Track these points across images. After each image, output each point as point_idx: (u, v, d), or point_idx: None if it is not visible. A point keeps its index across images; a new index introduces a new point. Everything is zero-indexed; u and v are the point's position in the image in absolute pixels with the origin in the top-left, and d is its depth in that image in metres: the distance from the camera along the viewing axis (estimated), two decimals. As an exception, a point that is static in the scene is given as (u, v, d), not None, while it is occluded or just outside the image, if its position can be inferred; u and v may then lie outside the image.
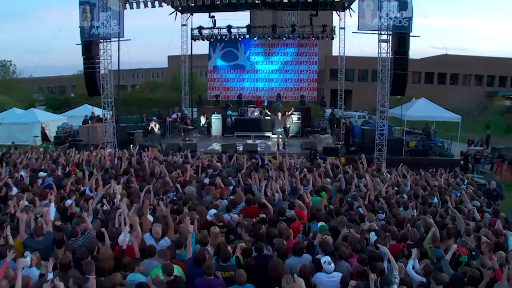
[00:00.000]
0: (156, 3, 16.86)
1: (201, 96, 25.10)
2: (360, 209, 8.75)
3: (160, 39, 72.51)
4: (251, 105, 22.64)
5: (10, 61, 53.24)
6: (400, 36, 15.55)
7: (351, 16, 25.53)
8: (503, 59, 57.52)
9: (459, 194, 11.22)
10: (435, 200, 10.42)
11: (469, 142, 24.77)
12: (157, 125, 18.65)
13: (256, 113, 22.06)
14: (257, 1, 16.72)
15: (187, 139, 20.81)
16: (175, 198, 8.92)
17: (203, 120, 21.09)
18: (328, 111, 26.13)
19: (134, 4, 16.72)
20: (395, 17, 15.24)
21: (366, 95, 54.10)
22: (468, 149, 22.30)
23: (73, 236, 6.67)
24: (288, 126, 21.20)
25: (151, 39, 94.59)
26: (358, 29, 15.99)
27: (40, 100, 51.41)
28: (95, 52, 17.00)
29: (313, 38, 25.22)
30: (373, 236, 7.18)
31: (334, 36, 25.28)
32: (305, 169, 12.41)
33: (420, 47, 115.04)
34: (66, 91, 60.52)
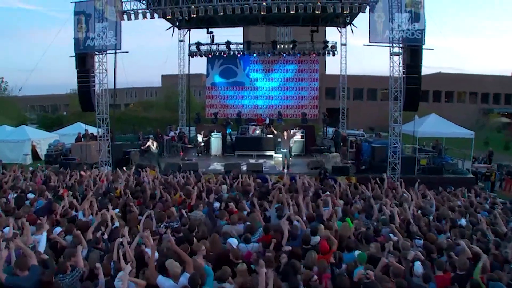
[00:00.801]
0: (156, 15, 15.92)
1: (199, 114, 24.09)
2: (392, 235, 7.69)
3: (154, 59, 71.89)
4: (252, 123, 21.68)
5: (2, 78, 51.63)
6: (413, 49, 14.80)
7: (352, 32, 25.02)
8: (496, 76, 57.86)
9: (487, 214, 10.31)
10: (463, 221, 9.46)
11: (473, 159, 23.98)
12: (155, 143, 17.53)
13: (257, 131, 21.07)
14: (261, 13, 15.80)
15: (186, 158, 19.68)
16: (177, 225, 7.74)
17: (200, 137, 19.99)
18: (330, 129, 25.25)
19: (132, 15, 15.77)
20: (407, 29, 14.51)
21: (360, 113, 53.91)
22: (473, 166, 21.50)
23: (61, 272, 5.52)
24: (291, 145, 20.25)
25: (144, 58, 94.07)
26: (370, 42, 15.22)
27: (32, 118, 50.03)
28: (90, 65, 15.99)
29: (314, 55, 24.57)
30: (418, 267, 6.16)
31: (336, 52, 24.61)
32: (320, 191, 11.45)
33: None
34: (59, 110, 59.18)
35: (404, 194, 11.82)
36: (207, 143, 21.03)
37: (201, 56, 24.85)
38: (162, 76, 61.43)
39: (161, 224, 7.68)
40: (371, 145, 17.87)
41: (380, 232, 8.01)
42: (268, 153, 20.76)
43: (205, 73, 26.20)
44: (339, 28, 25.25)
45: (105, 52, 15.78)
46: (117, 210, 8.88)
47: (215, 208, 8.90)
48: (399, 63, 15.46)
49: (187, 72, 25.69)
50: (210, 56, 24.85)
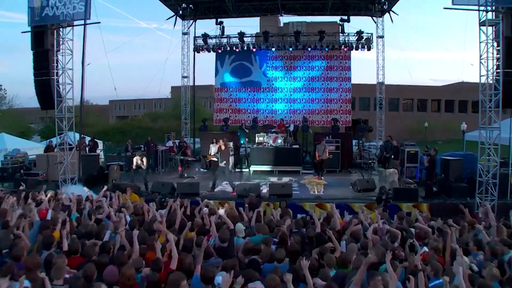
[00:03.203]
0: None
1: (206, 121, 18.81)
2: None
3: (165, 70, 67.33)
4: (272, 130, 16.38)
5: (0, 85, 47.12)
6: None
7: (392, 21, 19.99)
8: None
9: None
10: None
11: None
12: (144, 160, 12.17)
13: (279, 141, 15.73)
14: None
15: (185, 175, 14.41)
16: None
17: (213, 148, 14.48)
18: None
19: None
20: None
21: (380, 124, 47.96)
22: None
23: None
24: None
25: (155, 70, 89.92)
26: (453, 4, 9.89)
27: (36, 130, 45.66)
28: (50, 44, 10.90)
29: (346, 49, 19.28)
30: None
31: (372, 45, 19.33)
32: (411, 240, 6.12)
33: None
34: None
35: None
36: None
37: (209, 51, 19.74)
38: (172, 87, 56.83)
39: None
40: (442, 157, 12.35)
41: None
42: (294, 168, 15.40)
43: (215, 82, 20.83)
44: (374, 18, 20.19)
45: (70, 25, 10.68)
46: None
47: None
48: (493, 38, 10.05)
49: (192, 70, 20.62)
50: (219, 51, 19.74)
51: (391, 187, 11.29)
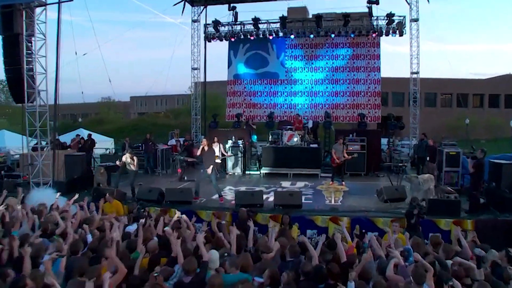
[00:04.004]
0: None
1: (217, 117, 17.15)
2: None
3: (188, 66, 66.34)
4: (287, 127, 14.55)
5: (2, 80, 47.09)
6: None
7: (428, 2, 17.63)
8: None
9: None
10: None
11: None
12: (134, 159, 10.57)
13: (295, 139, 13.86)
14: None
15: (185, 178, 12.82)
16: None
17: (216, 149, 12.91)
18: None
19: None
20: None
21: (414, 121, 44.60)
22: None
23: None
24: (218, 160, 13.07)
25: (178, 66, 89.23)
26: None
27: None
28: (20, 27, 9.51)
29: (374, 34, 17.09)
30: None
31: (404, 31, 17.05)
32: None
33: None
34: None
35: None
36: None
37: (221, 40, 18.09)
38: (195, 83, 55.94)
39: None
40: (491, 161, 10.07)
41: None
42: (312, 171, 13.50)
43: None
44: (408, -1, 17.88)
45: (41, 4, 9.26)
46: None
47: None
48: None
49: (203, 61, 19.03)
50: (232, 39, 18.05)
51: (425, 197, 9.19)
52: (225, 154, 13.19)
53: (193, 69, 18.96)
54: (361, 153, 13.66)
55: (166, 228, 5.68)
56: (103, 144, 20.25)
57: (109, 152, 14.60)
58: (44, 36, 9.59)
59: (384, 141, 18.14)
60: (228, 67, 18.79)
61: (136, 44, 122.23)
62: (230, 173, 14.18)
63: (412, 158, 13.64)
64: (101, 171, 10.76)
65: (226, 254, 5.37)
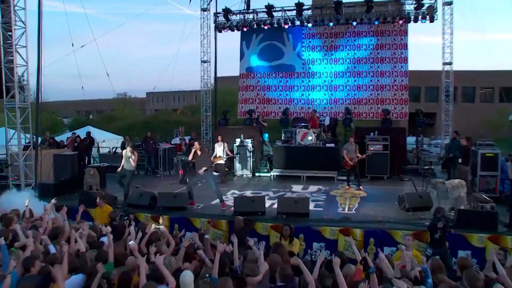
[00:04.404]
0: None
1: (228, 113, 16.58)
2: None
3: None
4: (301, 124, 13.82)
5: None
6: None
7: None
8: None
9: None
10: None
11: None
12: (134, 155, 10.06)
13: (310, 138, 13.13)
14: None
15: (187, 180, 12.29)
16: None
17: (219, 149, 12.36)
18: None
19: None
20: None
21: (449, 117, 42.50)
22: None
23: None
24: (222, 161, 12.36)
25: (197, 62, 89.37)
26: None
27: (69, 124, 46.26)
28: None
29: (401, 21, 16.09)
30: None
31: (435, 16, 15.97)
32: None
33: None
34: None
35: None
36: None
37: (232, 30, 17.48)
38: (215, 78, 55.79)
39: None
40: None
41: None
42: (327, 173, 12.74)
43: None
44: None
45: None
46: None
47: None
48: None
49: (213, 53, 18.49)
50: (244, 29, 17.42)
51: (454, 207, 8.31)
52: (230, 154, 12.60)
53: (203, 62, 18.45)
54: (383, 153, 12.79)
55: (130, 243, 5.11)
56: (110, 143, 20.03)
57: (109, 151, 14.26)
58: (24, 25, 9.23)
59: (412, 140, 17.16)
60: (240, 59, 18.20)
61: (153, 38, 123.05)
62: (238, 175, 13.59)
63: (444, 160, 12.65)
64: (91, 172, 10.36)
65: (207, 275, 4.77)
